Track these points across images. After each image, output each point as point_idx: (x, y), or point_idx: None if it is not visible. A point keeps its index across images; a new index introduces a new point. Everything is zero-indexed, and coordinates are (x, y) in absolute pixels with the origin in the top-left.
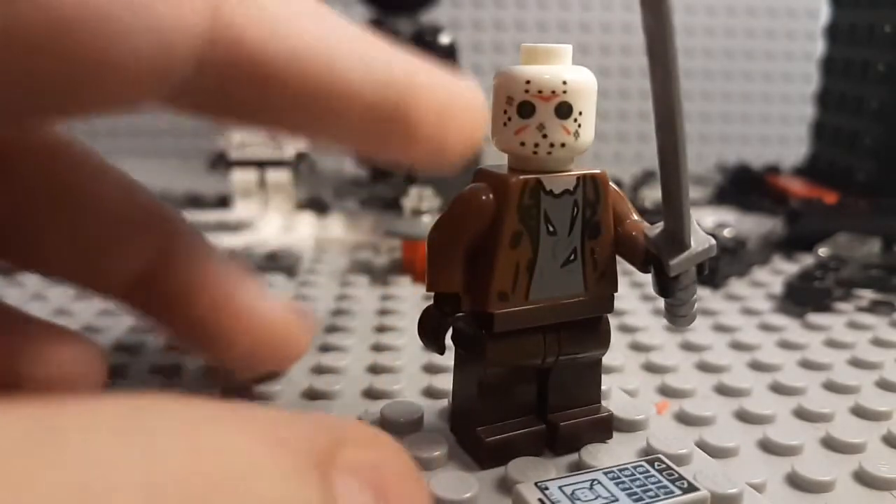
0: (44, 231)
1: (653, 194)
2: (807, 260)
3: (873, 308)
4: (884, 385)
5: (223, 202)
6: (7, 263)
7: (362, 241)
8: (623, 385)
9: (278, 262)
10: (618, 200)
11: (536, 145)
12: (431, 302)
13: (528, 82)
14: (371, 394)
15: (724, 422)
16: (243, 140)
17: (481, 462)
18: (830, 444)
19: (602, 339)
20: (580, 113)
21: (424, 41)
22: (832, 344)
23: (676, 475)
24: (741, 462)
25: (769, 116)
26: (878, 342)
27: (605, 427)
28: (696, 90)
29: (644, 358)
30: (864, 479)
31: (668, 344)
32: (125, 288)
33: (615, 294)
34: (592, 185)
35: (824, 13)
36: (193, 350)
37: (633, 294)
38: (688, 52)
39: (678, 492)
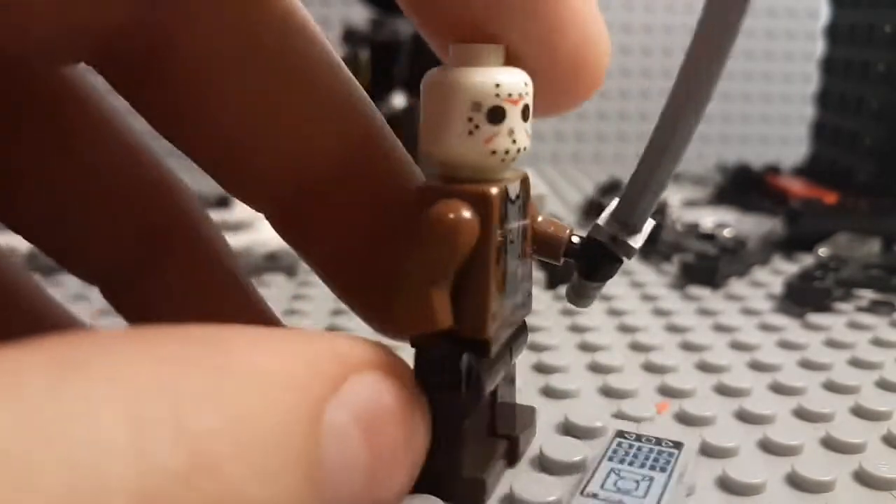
0: (22, 178)
1: None
2: (807, 260)
3: (873, 308)
4: (884, 385)
5: (223, 202)
6: None
7: None
8: (623, 385)
9: (278, 262)
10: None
11: (507, 152)
12: (411, 347)
13: (497, 86)
14: None
15: (724, 422)
16: None
17: (479, 501)
18: (830, 444)
19: (526, 336)
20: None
21: (424, 41)
22: (832, 344)
23: (653, 439)
24: (741, 462)
25: (769, 116)
26: (878, 342)
27: (533, 421)
28: None
29: (644, 358)
30: (864, 478)
31: (668, 344)
32: (105, 274)
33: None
34: (525, 187)
35: (824, 13)
36: None
37: (634, 294)
38: None
39: (674, 450)
